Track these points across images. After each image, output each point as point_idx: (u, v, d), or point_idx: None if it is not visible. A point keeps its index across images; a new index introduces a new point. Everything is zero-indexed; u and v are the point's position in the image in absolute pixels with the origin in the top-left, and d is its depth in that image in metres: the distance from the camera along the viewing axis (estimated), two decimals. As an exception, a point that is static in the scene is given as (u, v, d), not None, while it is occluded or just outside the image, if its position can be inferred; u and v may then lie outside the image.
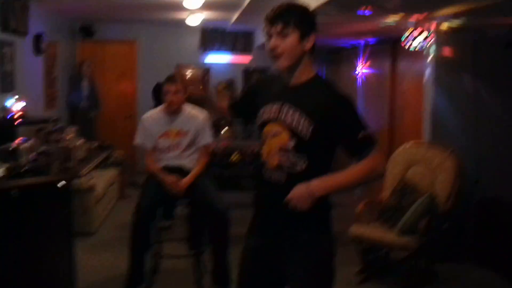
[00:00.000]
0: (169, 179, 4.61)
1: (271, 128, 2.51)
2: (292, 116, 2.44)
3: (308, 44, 2.45)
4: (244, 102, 2.88)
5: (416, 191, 5.24)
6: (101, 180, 6.79)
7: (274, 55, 2.44)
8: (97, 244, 6.01)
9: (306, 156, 2.44)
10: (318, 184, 2.38)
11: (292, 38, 2.40)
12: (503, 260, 5.38)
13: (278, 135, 2.48)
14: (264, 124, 2.56)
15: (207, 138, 4.86)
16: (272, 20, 2.42)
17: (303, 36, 2.42)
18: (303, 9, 2.47)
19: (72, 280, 4.45)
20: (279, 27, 2.40)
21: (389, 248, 5.16)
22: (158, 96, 6.33)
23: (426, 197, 5.06)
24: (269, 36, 2.45)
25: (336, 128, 2.41)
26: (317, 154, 2.46)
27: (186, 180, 4.66)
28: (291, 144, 2.44)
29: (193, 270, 4.82)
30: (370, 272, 5.27)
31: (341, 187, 2.45)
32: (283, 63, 2.44)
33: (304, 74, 2.50)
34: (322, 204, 2.50)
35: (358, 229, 5.11)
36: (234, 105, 2.91)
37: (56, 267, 4.27)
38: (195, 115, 4.84)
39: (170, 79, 4.76)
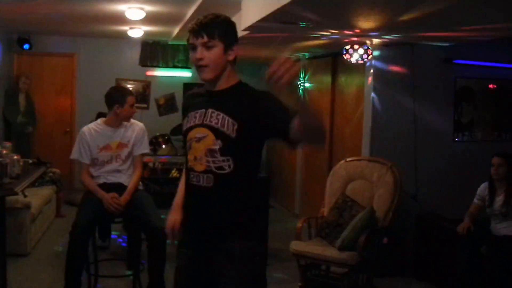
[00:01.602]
0: (109, 196, 4.51)
1: (195, 133, 2.53)
2: (217, 118, 2.48)
3: (231, 55, 2.51)
4: None
5: (356, 206, 5.27)
6: (36, 198, 6.58)
7: (199, 65, 2.48)
8: (32, 265, 5.80)
9: (233, 157, 2.46)
10: None
11: (217, 50, 2.46)
12: (442, 273, 5.47)
13: (203, 139, 2.50)
14: (188, 131, 2.58)
15: (143, 147, 4.83)
16: (197, 32, 2.45)
17: (227, 48, 2.48)
18: (227, 22, 2.52)
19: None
20: (204, 39, 2.44)
21: (329, 263, 5.17)
22: None
23: (366, 212, 5.10)
24: (194, 47, 2.48)
25: (265, 122, 2.42)
26: (244, 154, 2.49)
27: (125, 196, 4.57)
28: (218, 145, 2.46)
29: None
30: (311, 288, 5.27)
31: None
32: (208, 74, 2.49)
33: (227, 81, 2.55)
34: (252, 213, 2.56)
35: (298, 246, 5.10)
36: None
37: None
38: (132, 125, 4.81)
39: (130, 91, 4.81)
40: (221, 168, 2.46)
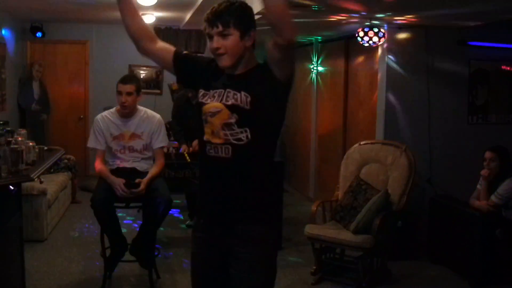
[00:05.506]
0: (119, 180, 4.54)
1: (209, 107, 2.52)
2: (233, 97, 2.47)
3: (249, 41, 2.49)
4: (186, 60, 2.72)
5: (370, 189, 5.27)
6: (52, 184, 6.63)
7: (217, 54, 2.47)
8: (49, 250, 5.85)
9: (250, 127, 2.46)
10: None
11: (233, 38, 2.44)
12: (456, 256, 5.46)
13: (217, 113, 2.49)
14: (203, 103, 2.56)
15: (160, 141, 4.82)
16: (211, 21, 2.44)
17: (243, 35, 2.46)
18: (242, 8, 2.48)
19: (23, 287, 4.33)
20: (219, 28, 2.42)
21: (343, 247, 5.18)
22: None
23: (380, 195, 5.09)
24: (210, 36, 2.47)
25: (272, 75, 2.44)
26: (260, 125, 2.49)
27: (145, 180, 4.58)
28: (233, 119, 2.46)
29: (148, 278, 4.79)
30: (325, 271, 5.27)
31: None
32: (226, 61, 2.48)
33: (246, 65, 2.53)
34: (270, 195, 2.59)
35: (312, 229, 5.11)
36: (178, 54, 2.72)
37: (6, 275, 4.14)
38: (148, 118, 4.80)
39: (124, 79, 4.71)
40: (239, 139, 2.46)
